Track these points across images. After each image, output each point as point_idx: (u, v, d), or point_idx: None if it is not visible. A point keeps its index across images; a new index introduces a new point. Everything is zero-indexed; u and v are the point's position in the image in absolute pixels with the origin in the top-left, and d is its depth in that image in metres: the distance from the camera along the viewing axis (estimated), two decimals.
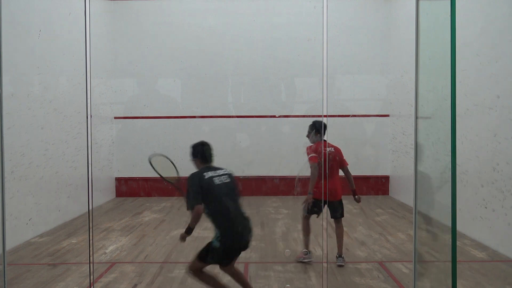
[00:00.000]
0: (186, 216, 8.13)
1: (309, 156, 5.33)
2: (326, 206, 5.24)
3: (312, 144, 5.45)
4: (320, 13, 3.89)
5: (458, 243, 3.37)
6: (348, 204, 9.69)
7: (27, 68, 6.82)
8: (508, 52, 5.68)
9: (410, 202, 8.18)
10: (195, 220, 3.93)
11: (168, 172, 4.55)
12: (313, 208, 5.37)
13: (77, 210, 8.06)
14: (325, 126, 5.37)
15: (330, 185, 5.37)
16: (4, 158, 3.72)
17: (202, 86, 10.04)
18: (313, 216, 5.54)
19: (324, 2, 3.89)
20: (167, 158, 4.63)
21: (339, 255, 5.43)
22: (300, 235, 6.81)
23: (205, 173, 4.09)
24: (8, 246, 3.99)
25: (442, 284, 3.48)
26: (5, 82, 3.66)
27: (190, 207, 3.94)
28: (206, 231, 7.10)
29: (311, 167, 5.26)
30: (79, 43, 4.08)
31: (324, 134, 5.43)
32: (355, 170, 10.27)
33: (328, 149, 5.39)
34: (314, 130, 5.45)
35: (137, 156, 10.06)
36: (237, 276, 4.18)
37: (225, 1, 10.00)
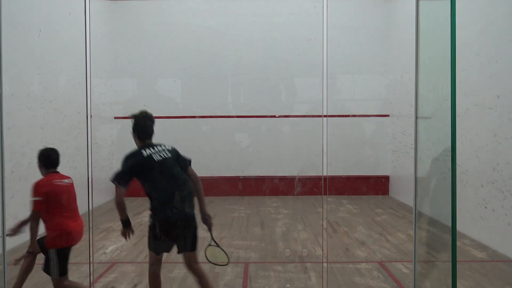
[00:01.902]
0: None
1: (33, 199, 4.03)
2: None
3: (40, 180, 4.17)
4: (320, 13, 3.89)
5: (458, 243, 3.37)
6: (348, 204, 9.74)
7: (27, 68, 6.81)
8: (508, 52, 5.68)
9: (410, 202, 8.18)
10: None
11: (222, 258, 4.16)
12: (48, 264, 4.07)
13: None
14: (53, 154, 4.27)
15: (78, 226, 4.18)
16: (4, 158, 3.72)
17: (202, 86, 10.04)
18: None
19: (324, 2, 3.89)
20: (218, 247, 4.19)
21: None
22: (300, 235, 6.81)
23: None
24: (8, 246, 3.98)
25: (442, 284, 3.48)
26: (5, 82, 3.66)
27: None
28: (206, 231, 7.09)
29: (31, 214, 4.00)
30: (79, 43, 4.08)
31: (54, 164, 4.25)
32: (355, 170, 10.38)
33: (61, 181, 4.17)
34: (39, 161, 4.27)
35: None
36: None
37: (225, 1, 10.00)
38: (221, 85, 10.11)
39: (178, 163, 3.92)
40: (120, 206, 3.81)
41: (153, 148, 3.84)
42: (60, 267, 4.07)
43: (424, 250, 3.71)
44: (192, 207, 3.93)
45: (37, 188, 4.05)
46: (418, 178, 3.67)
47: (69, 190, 4.21)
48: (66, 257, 4.10)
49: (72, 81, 8.05)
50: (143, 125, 3.91)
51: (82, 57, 3.85)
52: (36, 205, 4.01)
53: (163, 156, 3.82)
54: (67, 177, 4.29)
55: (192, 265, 3.90)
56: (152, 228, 3.88)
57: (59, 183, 4.14)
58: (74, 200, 4.22)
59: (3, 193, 3.69)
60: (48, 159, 4.26)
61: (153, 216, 3.89)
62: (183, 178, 3.90)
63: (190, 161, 4.01)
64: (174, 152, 3.93)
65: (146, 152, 3.81)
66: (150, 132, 3.92)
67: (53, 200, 4.07)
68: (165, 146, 3.92)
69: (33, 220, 4.01)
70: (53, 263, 4.05)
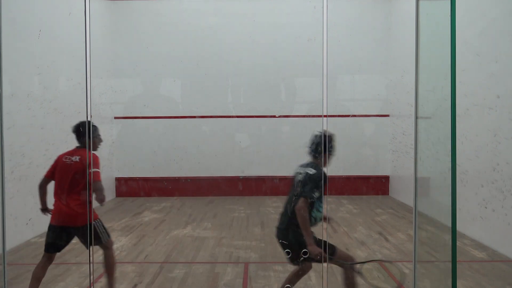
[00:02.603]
0: (186, 216, 8.14)
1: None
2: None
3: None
4: (320, 13, 3.89)
5: (458, 243, 3.37)
6: (348, 204, 9.74)
7: (27, 68, 6.81)
8: (508, 52, 5.68)
9: (410, 202, 8.17)
10: None
11: None
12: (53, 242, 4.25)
13: None
14: (75, 127, 4.29)
15: (65, 208, 4.21)
16: (4, 158, 3.72)
17: (202, 86, 10.04)
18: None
19: (324, 2, 3.89)
20: None
21: None
22: None
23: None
24: (8, 246, 3.99)
25: (442, 284, 3.48)
26: (5, 82, 3.66)
27: None
28: (206, 231, 7.10)
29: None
30: (79, 43, 4.08)
31: (77, 138, 4.28)
32: (355, 170, 10.38)
33: (66, 159, 4.25)
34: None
35: (137, 156, 10.06)
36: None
37: (225, 1, 10.00)
38: (221, 85, 10.11)
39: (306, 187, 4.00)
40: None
41: (304, 168, 4.08)
42: (46, 240, 4.25)
43: (424, 250, 3.71)
44: (294, 232, 4.16)
45: (56, 159, 4.32)
46: (418, 178, 3.67)
47: (68, 168, 4.24)
48: (52, 235, 4.24)
49: (72, 81, 8.06)
50: (312, 142, 4.12)
51: (82, 57, 3.85)
52: (47, 172, 4.32)
53: (297, 179, 4.07)
54: (80, 154, 4.24)
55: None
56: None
57: (64, 160, 4.27)
58: (69, 181, 4.21)
59: (3, 193, 3.69)
60: (74, 132, 4.34)
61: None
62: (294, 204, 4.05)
63: (305, 194, 3.96)
64: (308, 177, 4.00)
65: (299, 169, 4.14)
66: (312, 150, 4.11)
67: (56, 175, 4.29)
68: (311, 167, 4.03)
69: (41, 182, 4.33)
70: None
